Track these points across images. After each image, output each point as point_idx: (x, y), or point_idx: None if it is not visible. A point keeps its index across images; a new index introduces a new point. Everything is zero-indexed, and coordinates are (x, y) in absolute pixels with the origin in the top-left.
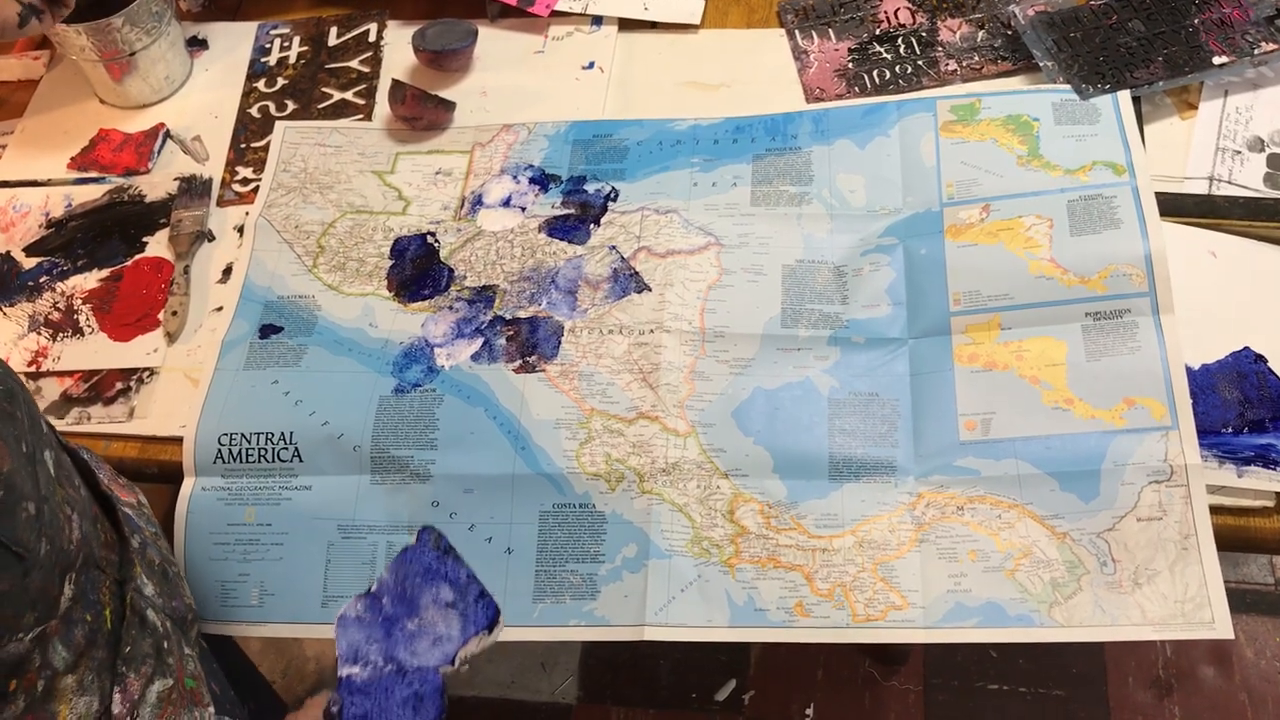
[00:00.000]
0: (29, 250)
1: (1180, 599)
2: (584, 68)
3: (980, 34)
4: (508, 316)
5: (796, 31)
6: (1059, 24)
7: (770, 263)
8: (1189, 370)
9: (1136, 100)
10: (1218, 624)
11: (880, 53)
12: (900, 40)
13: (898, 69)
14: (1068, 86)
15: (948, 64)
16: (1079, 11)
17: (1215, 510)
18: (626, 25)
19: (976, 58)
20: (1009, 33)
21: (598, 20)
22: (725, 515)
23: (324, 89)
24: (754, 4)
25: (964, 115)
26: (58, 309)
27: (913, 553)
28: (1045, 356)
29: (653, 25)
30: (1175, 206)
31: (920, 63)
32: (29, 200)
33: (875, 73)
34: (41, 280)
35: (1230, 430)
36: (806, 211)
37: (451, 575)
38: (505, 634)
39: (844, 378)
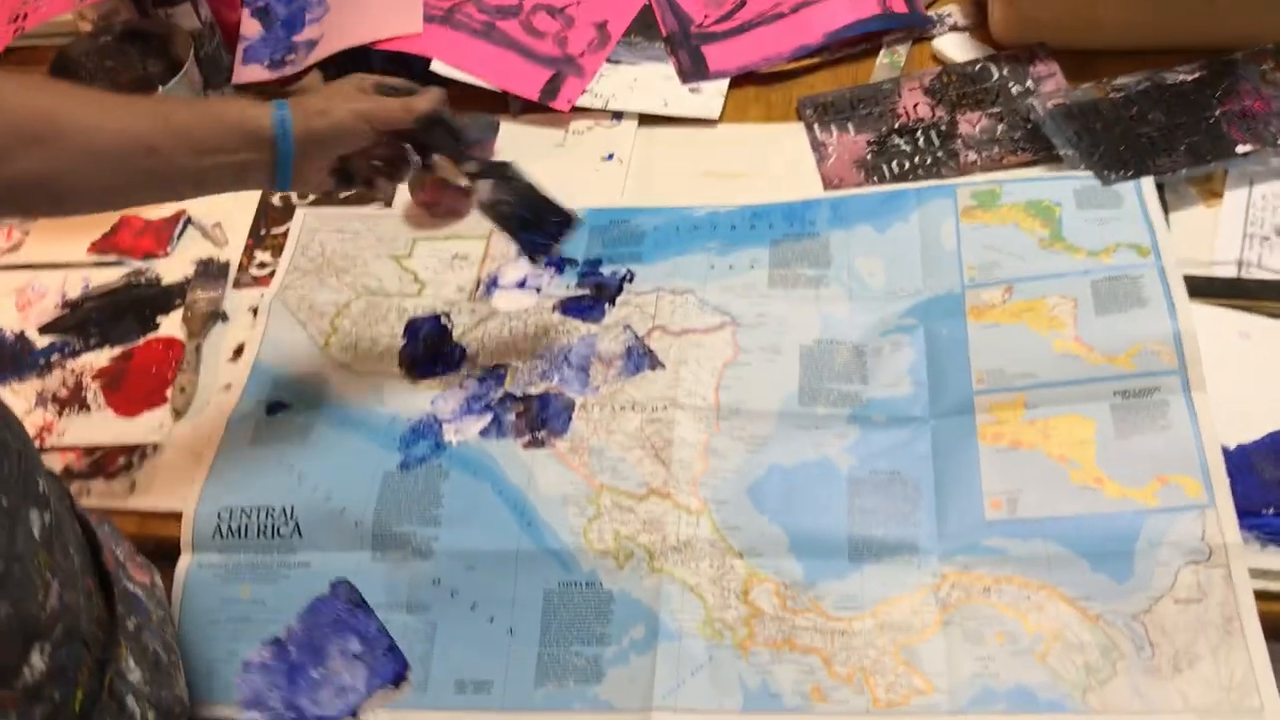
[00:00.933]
0: (43, 329)
1: (1226, 685)
2: (604, 159)
3: (1000, 126)
4: (518, 393)
5: (815, 125)
6: (1079, 115)
7: (788, 342)
8: (1225, 451)
9: (1160, 187)
10: (1267, 711)
11: (899, 145)
12: (919, 133)
13: (917, 160)
14: (1089, 173)
15: (967, 155)
16: (1099, 103)
17: (1260, 595)
18: (646, 120)
19: (996, 149)
20: (1028, 124)
21: (618, 115)
22: (739, 595)
23: None
24: (773, 100)
25: (985, 201)
26: (66, 386)
27: (937, 635)
28: (1073, 435)
29: (672, 120)
30: (1203, 288)
31: (940, 154)
32: (47, 282)
33: (894, 163)
34: (53, 358)
35: (1272, 512)
36: (825, 293)
37: (361, 628)
38: None
39: (864, 456)
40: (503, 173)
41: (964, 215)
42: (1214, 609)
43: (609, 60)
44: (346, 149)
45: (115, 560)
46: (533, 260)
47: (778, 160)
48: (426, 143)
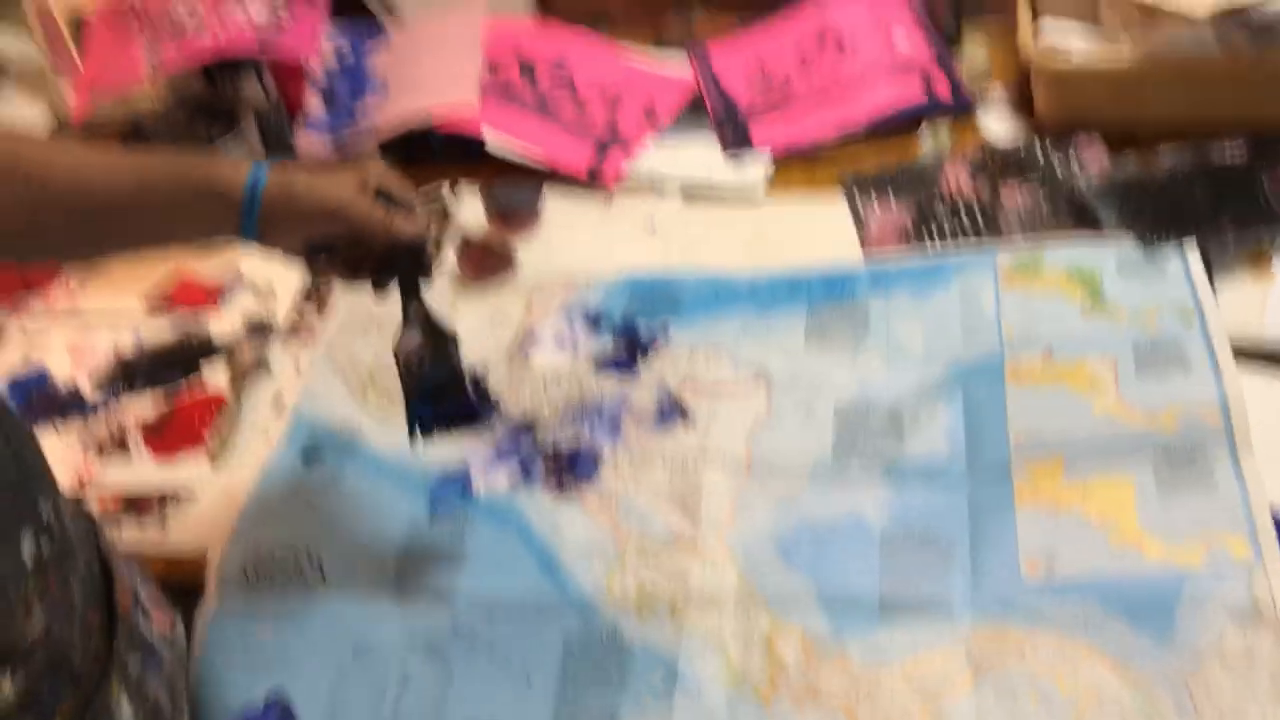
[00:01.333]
0: (94, 378)
1: None
2: (645, 229)
3: (1042, 200)
4: (548, 444)
5: (858, 198)
6: (1123, 187)
7: (822, 402)
8: (1275, 516)
9: (1206, 260)
10: None
11: (941, 217)
12: (962, 206)
13: (959, 231)
14: (1132, 243)
15: (1010, 227)
16: (1143, 176)
17: None
18: (690, 193)
19: (1039, 222)
20: (1071, 197)
21: (662, 187)
22: (762, 647)
23: None
24: (816, 174)
25: (1025, 268)
26: (110, 431)
27: (968, 695)
28: (1113, 496)
29: (715, 193)
30: (1250, 355)
31: (982, 226)
32: (101, 333)
33: (936, 234)
34: (100, 405)
35: None
36: (862, 356)
37: None
38: None
39: (898, 514)
40: (438, 338)
41: (1004, 282)
42: (1262, 672)
43: (655, 138)
44: (313, 233)
45: (134, 601)
46: (410, 436)
47: (818, 230)
48: (390, 262)
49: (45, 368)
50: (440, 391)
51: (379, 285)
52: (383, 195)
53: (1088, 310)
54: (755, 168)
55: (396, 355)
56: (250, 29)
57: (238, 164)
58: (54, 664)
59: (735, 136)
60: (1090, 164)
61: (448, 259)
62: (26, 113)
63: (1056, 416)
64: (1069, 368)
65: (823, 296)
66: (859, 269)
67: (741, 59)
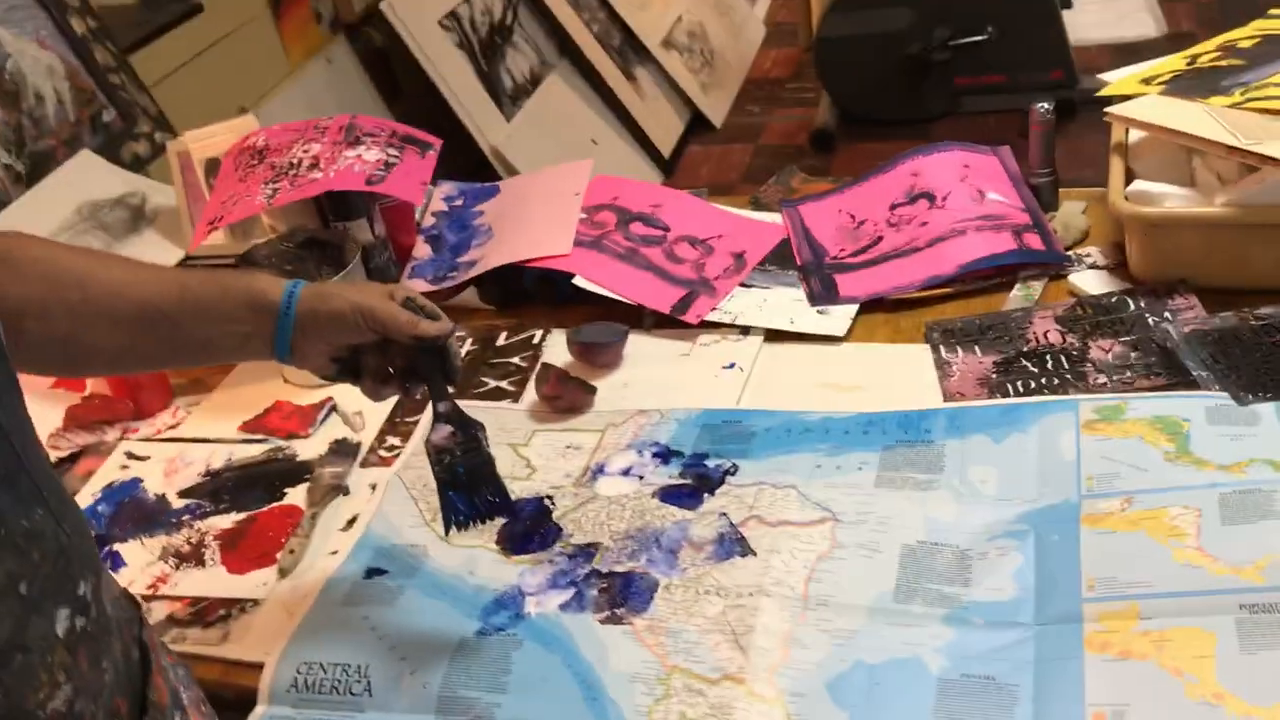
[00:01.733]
0: (182, 493)
1: None
2: (725, 368)
3: (1132, 353)
4: (604, 570)
5: (941, 346)
6: (1217, 340)
7: (888, 541)
8: None
9: None
10: None
11: (1027, 366)
12: (1048, 356)
13: (1043, 380)
14: (1223, 394)
15: (1096, 378)
16: (1239, 330)
17: None
18: (772, 336)
19: (1128, 374)
20: (1163, 350)
21: (745, 330)
22: None
23: (483, 378)
24: (901, 324)
25: (1108, 415)
26: (189, 543)
27: None
28: (1191, 648)
29: (797, 336)
30: None
31: (1068, 376)
32: (196, 454)
33: (1019, 383)
34: (184, 518)
35: None
36: (933, 496)
37: None
38: None
39: (958, 659)
40: (468, 430)
41: (1085, 428)
42: None
43: (741, 283)
44: (341, 338)
45: (173, 701)
46: (445, 526)
47: (898, 375)
48: (416, 365)
49: (139, 480)
50: (473, 482)
51: (407, 387)
52: (409, 304)
53: (1172, 458)
54: (840, 314)
55: (428, 449)
56: (362, 172)
57: (277, 279)
58: None
59: (822, 283)
60: (1183, 317)
61: (528, 393)
62: (164, 253)
63: (1133, 563)
64: (1149, 514)
65: (897, 438)
66: (936, 411)
67: (833, 211)
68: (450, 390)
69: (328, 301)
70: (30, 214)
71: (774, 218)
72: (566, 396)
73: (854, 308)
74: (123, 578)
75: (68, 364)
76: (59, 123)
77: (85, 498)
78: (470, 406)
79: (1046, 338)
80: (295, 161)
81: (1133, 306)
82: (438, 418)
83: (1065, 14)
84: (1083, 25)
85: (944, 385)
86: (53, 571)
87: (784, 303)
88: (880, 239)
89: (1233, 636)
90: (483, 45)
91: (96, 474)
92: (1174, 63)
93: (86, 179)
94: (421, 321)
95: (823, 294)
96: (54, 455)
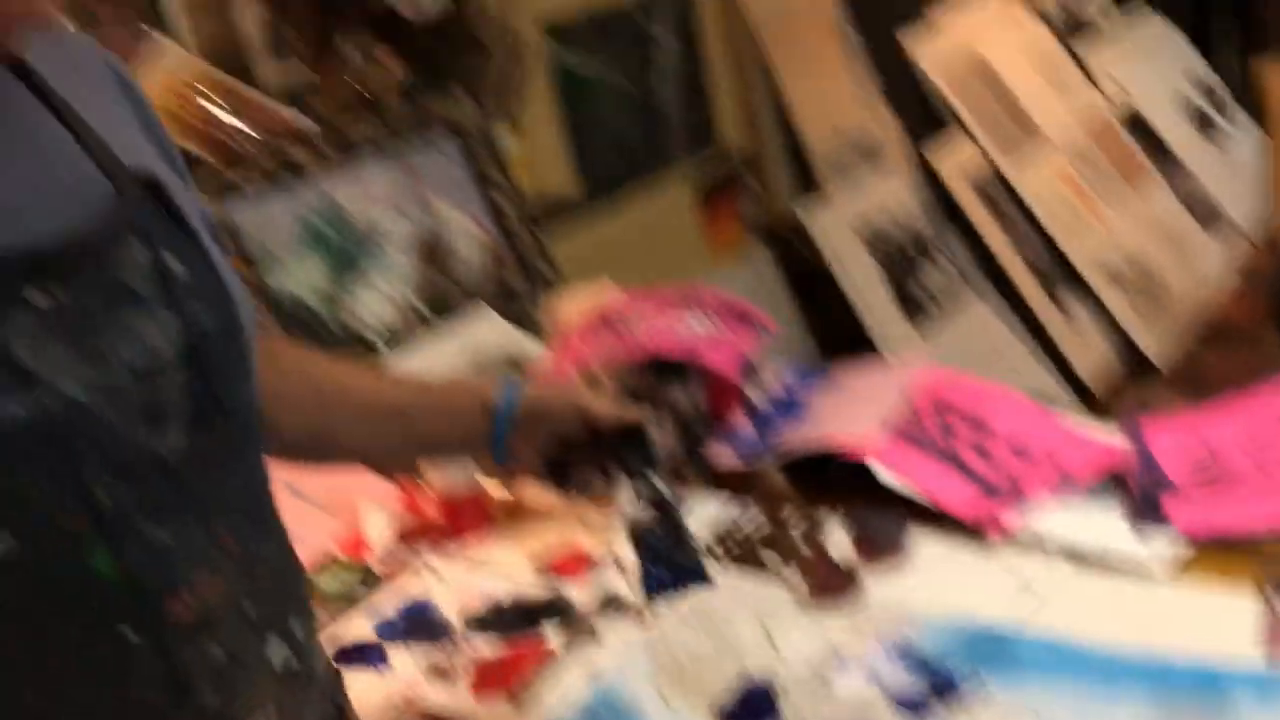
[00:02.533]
0: (462, 616)
1: None
2: (1020, 586)
3: None
4: None
5: (1274, 598)
6: None
7: None
8: None
9: None
10: None
11: None
12: None
13: None
14: None
15: None
16: None
17: None
18: (1078, 558)
19: None
20: None
21: (1048, 546)
22: None
23: (760, 552)
24: (1232, 565)
25: None
26: (450, 662)
27: None
28: None
29: (1103, 565)
30: None
31: None
32: (491, 585)
33: None
34: (455, 640)
35: None
36: None
37: None
38: None
39: None
40: (666, 510)
41: None
42: None
43: (1056, 496)
44: (553, 431)
45: None
46: (645, 598)
47: (1210, 621)
48: (617, 454)
49: (430, 600)
50: (670, 556)
51: (607, 473)
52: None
53: None
54: (1162, 545)
55: (629, 528)
56: (686, 338)
57: (494, 382)
58: None
59: (1147, 507)
60: None
61: (794, 572)
62: None
63: None
64: None
65: (1185, 686)
66: (1245, 670)
67: (1180, 434)
68: (651, 474)
69: (544, 398)
70: (425, 353)
71: (1110, 427)
72: (831, 585)
73: (1181, 543)
74: (382, 677)
75: (320, 455)
76: (465, 278)
77: (388, 607)
78: (736, 577)
79: None
80: (629, 321)
81: None
82: (639, 498)
83: None
84: None
85: (1270, 645)
86: (270, 596)
87: (1098, 523)
88: (1232, 472)
89: None
90: (901, 259)
91: (396, 581)
92: None
93: (480, 330)
94: (625, 410)
95: (1146, 516)
96: (379, 570)
